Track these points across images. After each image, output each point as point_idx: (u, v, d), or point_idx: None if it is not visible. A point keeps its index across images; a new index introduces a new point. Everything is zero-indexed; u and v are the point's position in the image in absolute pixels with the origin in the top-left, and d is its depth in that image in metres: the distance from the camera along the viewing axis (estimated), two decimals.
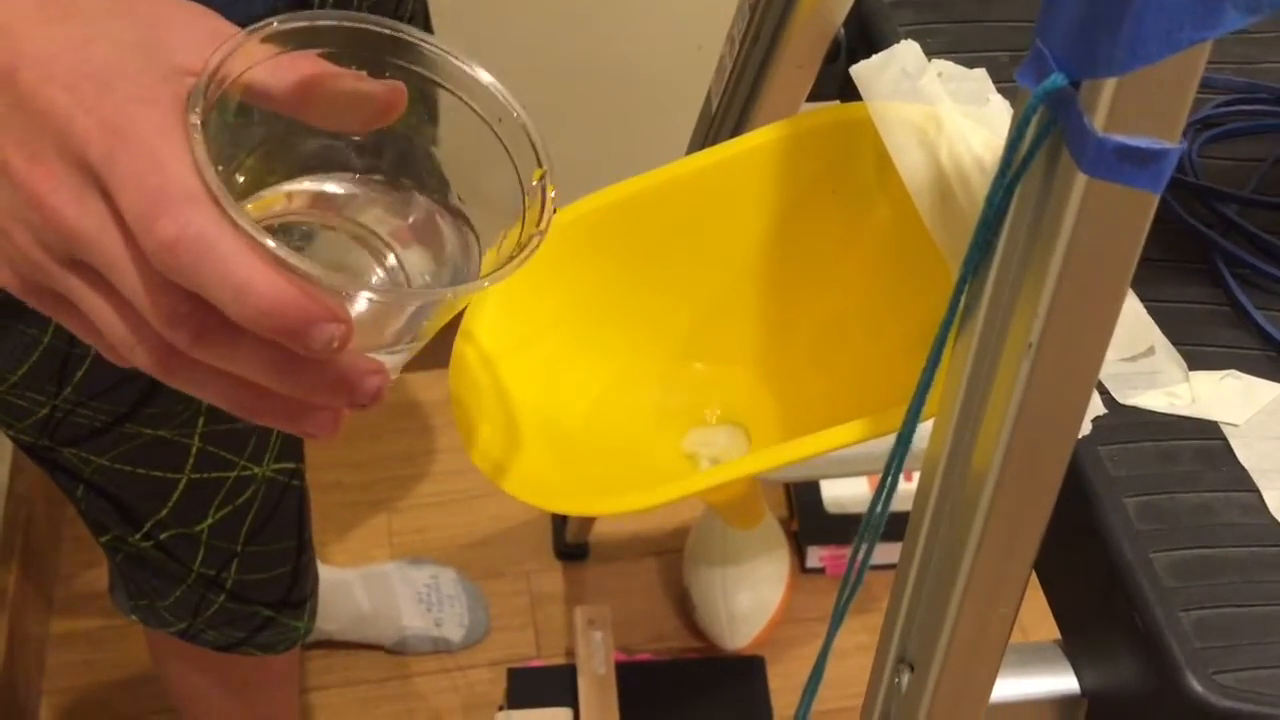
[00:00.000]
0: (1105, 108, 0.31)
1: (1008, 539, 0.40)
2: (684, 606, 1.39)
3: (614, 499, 0.51)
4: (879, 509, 0.44)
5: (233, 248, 0.32)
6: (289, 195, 0.41)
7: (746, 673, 1.32)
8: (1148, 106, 0.31)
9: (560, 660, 1.36)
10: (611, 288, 0.60)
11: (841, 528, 1.40)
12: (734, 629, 1.33)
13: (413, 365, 0.43)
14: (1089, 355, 0.35)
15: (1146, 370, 0.48)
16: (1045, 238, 0.34)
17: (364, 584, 1.36)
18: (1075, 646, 0.46)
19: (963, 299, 0.39)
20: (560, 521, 1.45)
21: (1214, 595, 0.43)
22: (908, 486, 0.42)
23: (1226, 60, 0.65)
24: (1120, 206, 0.32)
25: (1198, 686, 0.40)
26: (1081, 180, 0.32)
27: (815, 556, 1.41)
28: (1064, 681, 0.46)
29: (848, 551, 1.41)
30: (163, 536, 0.73)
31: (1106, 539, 0.44)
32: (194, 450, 0.69)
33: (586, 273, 0.59)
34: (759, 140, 0.58)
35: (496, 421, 0.53)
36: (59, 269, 0.35)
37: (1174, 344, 0.49)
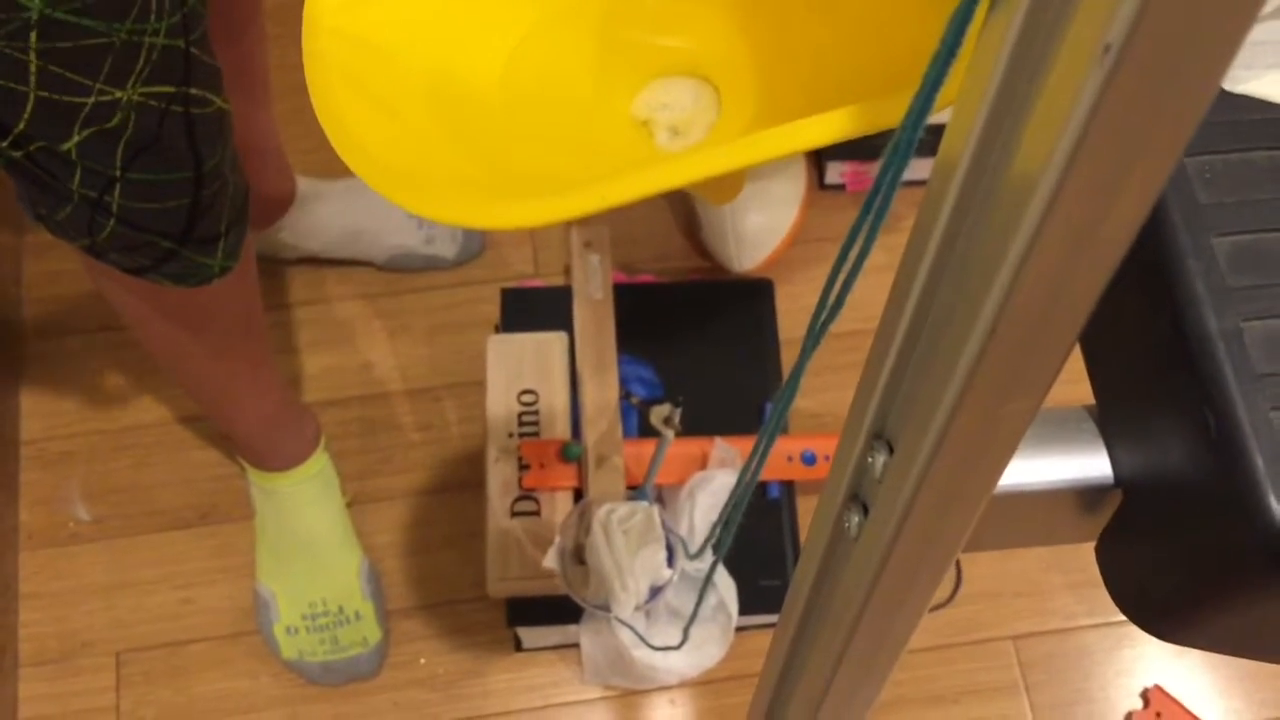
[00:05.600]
0: None
1: (1063, 261, 0.27)
2: (690, 226, 1.29)
3: (527, 205, 0.38)
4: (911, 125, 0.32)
5: None
6: None
7: (753, 296, 1.24)
8: None
9: (559, 280, 1.29)
10: None
11: (866, 141, 1.25)
12: (741, 251, 1.23)
13: None
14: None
15: (1275, 38, 0.32)
16: None
17: (347, 197, 1.29)
18: (1114, 419, 0.35)
19: None
20: None
21: None
22: None
23: None
24: None
25: None
26: None
27: (836, 172, 1.29)
28: (1093, 463, 0.35)
29: (872, 168, 1.28)
30: (31, 149, 0.68)
31: (1181, 296, 0.31)
32: (33, 68, 0.62)
33: None
34: None
35: (371, 94, 0.39)
36: None
37: None
